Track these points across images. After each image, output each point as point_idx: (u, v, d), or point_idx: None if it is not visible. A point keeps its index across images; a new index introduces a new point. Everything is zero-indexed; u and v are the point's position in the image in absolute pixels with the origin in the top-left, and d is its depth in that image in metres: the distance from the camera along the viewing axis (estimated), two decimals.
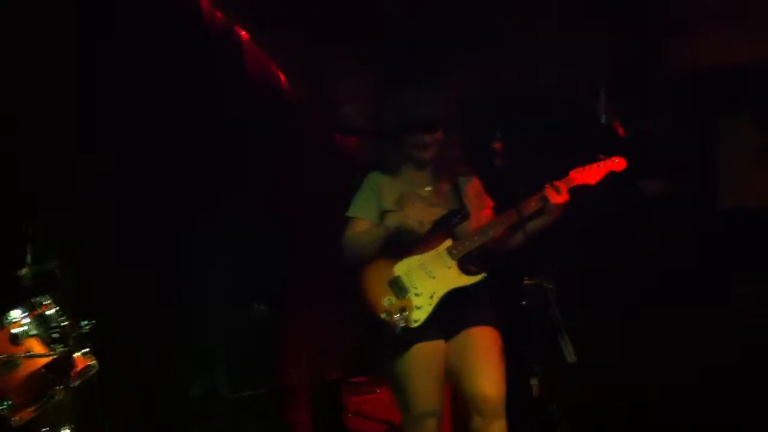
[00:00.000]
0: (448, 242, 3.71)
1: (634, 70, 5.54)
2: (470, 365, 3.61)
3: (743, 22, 5.25)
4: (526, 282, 3.70)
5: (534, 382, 3.47)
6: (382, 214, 3.76)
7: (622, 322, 5.20)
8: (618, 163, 3.82)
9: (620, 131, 5.55)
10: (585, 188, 3.82)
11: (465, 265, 3.70)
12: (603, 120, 5.50)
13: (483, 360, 3.62)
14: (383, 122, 3.90)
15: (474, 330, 3.67)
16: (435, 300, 3.60)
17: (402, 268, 3.65)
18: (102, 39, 4.43)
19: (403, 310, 3.51)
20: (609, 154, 5.36)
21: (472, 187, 3.88)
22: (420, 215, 3.68)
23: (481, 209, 3.87)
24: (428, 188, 3.84)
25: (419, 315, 3.58)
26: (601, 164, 3.81)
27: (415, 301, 3.60)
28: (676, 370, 5.07)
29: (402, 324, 3.45)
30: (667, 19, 5.45)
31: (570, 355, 3.35)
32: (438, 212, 3.73)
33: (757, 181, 5.35)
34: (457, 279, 3.66)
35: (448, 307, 3.61)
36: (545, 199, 3.71)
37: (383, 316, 3.52)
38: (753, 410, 4.82)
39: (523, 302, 3.71)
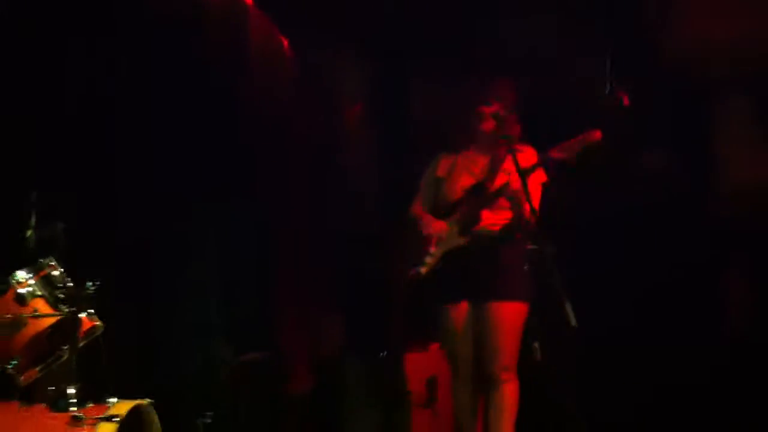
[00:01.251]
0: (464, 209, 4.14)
1: (629, 48, 5.52)
2: (484, 340, 4.06)
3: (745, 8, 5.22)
4: (528, 247, 3.79)
5: (536, 345, 3.54)
6: (436, 181, 4.26)
7: (618, 288, 5.20)
8: (594, 135, 3.92)
9: (625, 100, 5.52)
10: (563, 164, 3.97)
11: (462, 228, 4.07)
12: (607, 89, 5.48)
13: (497, 336, 4.02)
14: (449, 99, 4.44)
15: (492, 305, 4.04)
16: (435, 258, 4.09)
17: (432, 232, 4.16)
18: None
19: (421, 263, 4.11)
20: (612, 124, 5.41)
21: (519, 161, 3.90)
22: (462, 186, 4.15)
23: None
24: (478, 160, 4.19)
25: (423, 269, 4.12)
26: (577, 139, 3.92)
27: (426, 258, 4.12)
28: (663, 340, 5.09)
29: (412, 275, 4.12)
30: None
31: (572, 319, 3.37)
32: (473, 182, 4.16)
33: (753, 166, 5.34)
34: (455, 240, 4.08)
35: (471, 271, 4.05)
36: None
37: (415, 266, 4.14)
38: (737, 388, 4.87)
39: (525, 267, 3.80)
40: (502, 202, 4.03)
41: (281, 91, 5.84)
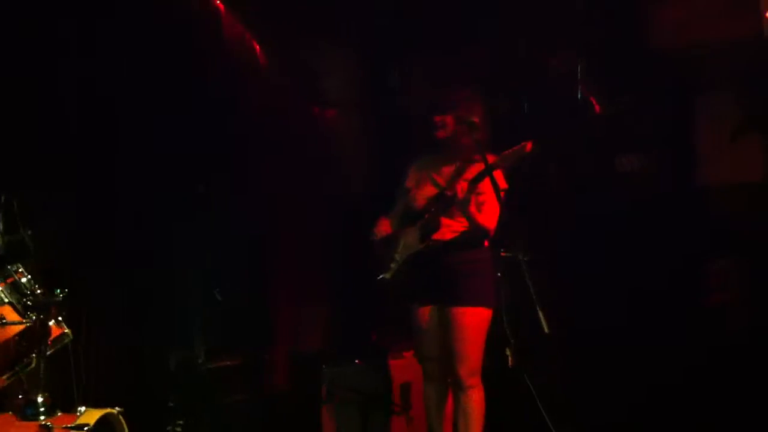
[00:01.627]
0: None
1: (610, 45, 5.54)
2: (448, 345, 4.13)
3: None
4: (502, 254, 3.80)
5: (508, 352, 3.55)
6: (405, 192, 4.35)
7: (595, 293, 5.22)
8: (524, 146, 3.87)
9: (596, 107, 5.56)
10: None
11: (422, 234, 4.16)
12: (579, 95, 5.51)
13: (458, 341, 4.09)
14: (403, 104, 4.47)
15: (454, 311, 4.10)
16: (398, 262, 4.20)
17: (399, 237, 4.27)
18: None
19: (386, 269, 4.21)
20: (585, 130, 5.44)
21: (473, 171, 4.03)
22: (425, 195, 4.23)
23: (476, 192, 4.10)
24: (442, 169, 4.25)
25: (388, 274, 4.21)
26: (512, 149, 3.90)
27: (392, 264, 4.22)
28: (650, 339, 5.12)
29: (381, 277, 4.21)
30: None
31: (545, 326, 3.38)
32: (435, 192, 4.22)
33: (732, 158, 5.38)
34: (416, 246, 4.16)
35: (434, 277, 4.13)
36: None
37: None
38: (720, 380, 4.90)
39: (499, 273, 3.82)
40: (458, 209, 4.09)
41: (256, 94, 5.83)
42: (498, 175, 3.96)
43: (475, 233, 4.08)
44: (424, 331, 4.22)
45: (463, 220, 4.08)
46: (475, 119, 4.01)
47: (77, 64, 4.53)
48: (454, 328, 4.08)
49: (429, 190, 4.23)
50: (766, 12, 5.05)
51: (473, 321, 4.07)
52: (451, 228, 4.15)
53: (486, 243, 4.15)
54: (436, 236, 4.13)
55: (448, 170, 4.22)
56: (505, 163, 3.94)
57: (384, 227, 4.36)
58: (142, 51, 4.80)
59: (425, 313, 4.22)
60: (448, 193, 4.08)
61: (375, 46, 6.12)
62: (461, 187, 3.99)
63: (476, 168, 4.02)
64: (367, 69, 6.26)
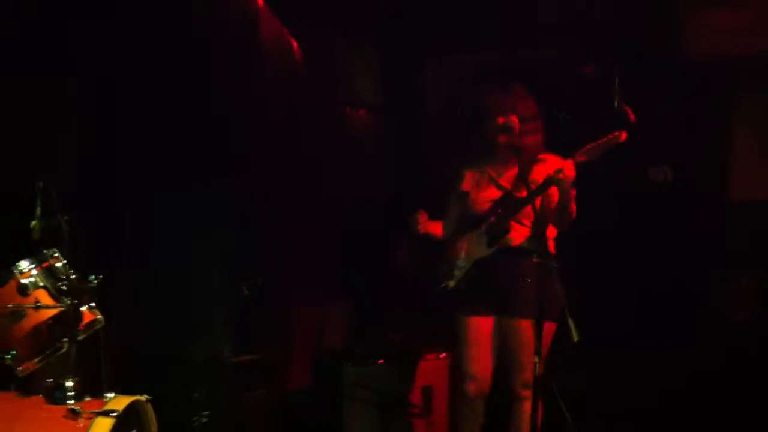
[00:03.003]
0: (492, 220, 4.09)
1: (644, 56, 5.52)
2: (507, 356, 4.07)
3: (759, 12, 5.22)
4: (533, 260, 3.77)
5: (536, 359, 3.53)
6: (460, 196, 4.20)
7: (624, 304, 5.21)
8: (619, 136, 3.93)
9: (631, 116, 5.53)
10: (590, 166, 3.93)
11: (491, 238, 4.03)
12: (615, 104, 5.48)
13: (518, 354, 4.00)
14: (463, 109, 4.26)
15: (516, 323, 4.01)
16: (464, 270, 4.06)
17: (461, 243, 4.14)
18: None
19: (446, 276, 4.11)
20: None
21: (543, 173, 3.98)
22: (488, 198, 4.10)
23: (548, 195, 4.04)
24: (503, 171, 4.13)
25: (451, 282, 4.10)
26: (603, 139, 3.93)
27: (454, 269, 4.10)
28: (676, 353, 5.10)
29: (441, 288, 4.09)
30: (680, 5, 5.44)
31: (575, 335, 3.36)
32: (500, 194, 4.12)
33: (765, 173, 5.34)
34: (482, 250, 4.04)
35: (495, 284, 4.02)
36: (549, 177, 3.91)
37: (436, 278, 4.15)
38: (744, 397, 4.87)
39: (528, 280, 3.79)
40: (527, 215, 4.00)
41: (289, 92, 5.84)
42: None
43: (543, 237, 3.96)
44: (482, 343, 4.07)
45: (530, 224, 4.00)
46: (538, 118, 4.03)
47: (102, 61, 4.54)
48: (517, 341, 3.98)
49: (492, 193, 4.11)
50: None
51: (534, 333, 3.71)
52: (519, 232, 4.05)
53: (553, 248, 4.04)
54: (503, 241, 4.02)
55: (510, 172, 4.10)
56: (591, 157, 3.87)
57: (432, 226, 4.25)
58: (178, 46, 4.81)
59: (486, 324, 4.08)
60: (517, 194, 3.97)
61: (408, 45, 6.13)
62: (530, 187, 3.86)
63: (540, 167, 3.99)
64: (399, 69, 6.28)
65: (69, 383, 3.18)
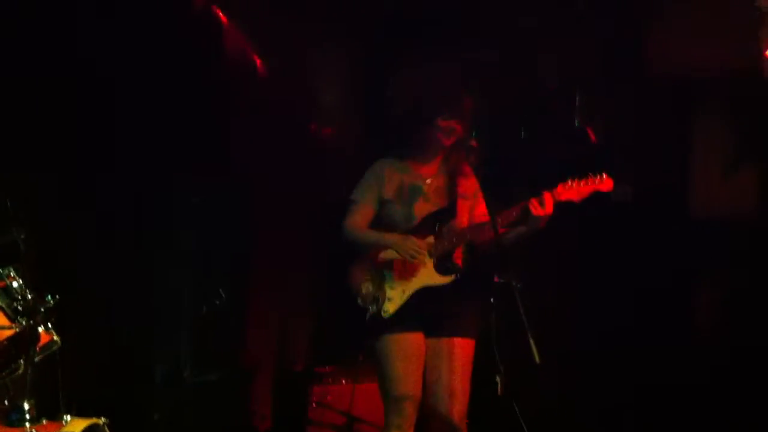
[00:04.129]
0: (431, 239, 3.78)
1: (607, 74, 5.58)
2: (442, 378, 3.72)
3: (721, 28, 5.30)
4: (495, 280, 3.75)
5: (498, 379, 3.51)
6: (382, 202, 3.86)
7: (587, 323, 5.24)
8: (605, 184, 3.77)
9: (592, 136, 5.58)
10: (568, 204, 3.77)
11: (442, 264, 3.77)
12: (576, 123, 5.54)
13: (455, 375, 3.71)
14: (408, 103, 3.94)
15: (453, 341, 3.74)
16: (406, 295, 3.72)
17: (387, 261, 3.78)
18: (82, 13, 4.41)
19: (376, 299, 3.71)
20: (580, 159, 5.44)
21: (470, 187, 3.86)
22: (420, 213, 3.79)
23: (473, 210, 3.88)
24: (428, 181, 3.88)
25: (389, 306, 3.72)
26: (590, 182, 3.76)
27: (389, 292, 3.73)
28: (641, 371, 5.14)
29: (373, 311, 3.69)
30: (644, 22, 5.50)
31: (536, 355, 3.36)
32: (431, 208, 3.82)
33: (729, 190, 5.41)
34: (431, 277, 3.74)
35: (430, 303, 3.72)
36: (527, 211, 3.70)
37: (359, 300, 3.75)
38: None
39: (491, 299, 3.77)
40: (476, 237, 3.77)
41: (253, 108, 5.84)
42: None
43: (476, 259, 3.84)
44: (411, 361, 3.69)
45: (462, 245, 3.81)
46: (473, 142, 3.75)
47: (73, 69, 4.50)
48: (458, 363, 3.71)
49: (423, 207, 3.82)
50: (766, 51, 5.08)
51: (470, 354, 3.77)
52: (458, 254, 3.85)
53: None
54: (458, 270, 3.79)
55: (435, 183, 3.87)
56: (575, 197, 3.71)
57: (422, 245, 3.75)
58: (142, 59, 4.79)
59: (416, 340, 3.73)
60: (452, 212, 3.77)
61: (373, 48, 6.11)
62: (506, 214, 3.69)
63: (465, 181, 3.82)
64: (363, 74, 6.27)
65: (26, 405, 3.12)
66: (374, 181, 3.90)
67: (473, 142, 3.76)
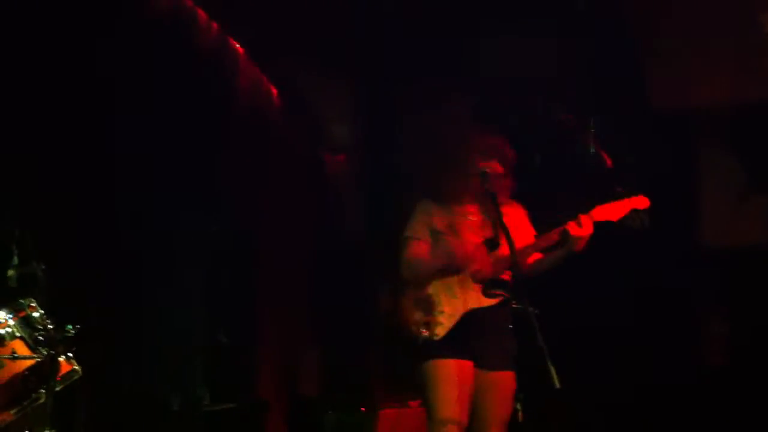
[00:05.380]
0: (478, 267, 3.86)
1: (618, 104, 5.60)
2: (487, 409, 3.79)
3: (728, 58, 5.32)
4: (512, 306, 3.76)
5: (518, 406, 3.50)
6: (433, 235, 3.95)
7: (599, 347, 5.23)
8: (641, 201, 3.84)
9: (608, 162, 5.60)
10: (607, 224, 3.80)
11: (487, 289, 3.84)
12: (592, 150, 5.55)
13: (499, 407, 3.80)
14: (447, 151, 4.12)
15: (499, 375, 3.81)
16: (454, 319, 3.79)
17: (434, 287, 3.87)
18: (99, 40, 4.45)
19: (427, 324, 3.80)
20: (595, 184, 5.46)
21: (515, 217, 3.96)
22: (470, 241, 3.89)
23: (519, 238, 3.89)
24: (472, 217, 3.99)
25: (440, 330, 3.79)
26: (626, 201, 3.83)
27: (439, 317, 3.81)
28: (652, 400, 5.11)
29: (424, 336, 3.77)
30: (654, 55, 5.53)
31: (556, 381, 3.35)
32: (478, 240, 3.91)
33: (739, 220, 5.40)
34: (476, 300, 3.82)
35: (478, 334, 3.79)
36: (566, 233, 3.77)
37: (412, 328, 3.83)
38: None
39: (510, 326, 3.77)
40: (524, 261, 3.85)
41: (267, 137, 5.87)
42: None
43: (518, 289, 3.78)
44: (457, 387, 3.73)
45: (509, 274, 3.87)
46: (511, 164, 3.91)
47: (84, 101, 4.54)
48: (499, 393, 3.80)
49: (472, 237, 3.91)
50: None
51: (513, 386, 3.84)
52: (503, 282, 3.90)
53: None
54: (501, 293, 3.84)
55: (480, 217, 3.97)
56: (613, 217, 3.78)
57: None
58: (154, 88, 4.83)
59: (464, 367, 3.77)
60: (499, 242, 3.82)
61: (386, 90, 6.17)
62: (546, 237, 3.80)
63: (512, 210, 3.94)
64: (376, 113, 6.32)
65: None
66: (424, 216, 4.00)
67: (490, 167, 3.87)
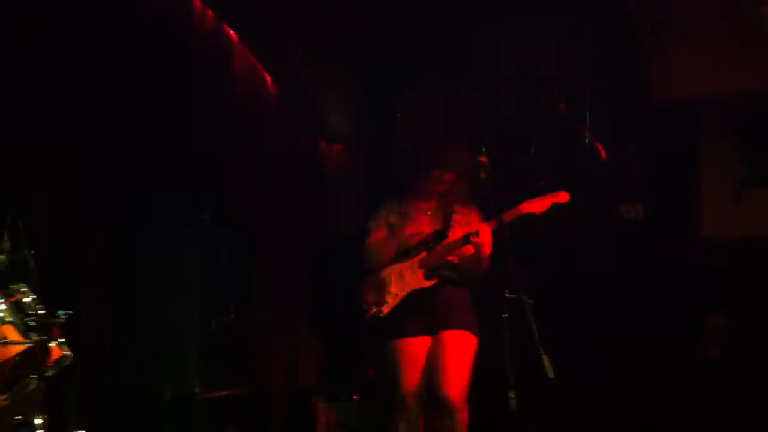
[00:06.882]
0: (423, 254, 4.36)
1: (617, 96, 5.60)
2: (438, 365, 4.24)
3: (727, 52, 5.31)
4: (506, 295, 3.79)
5: (512, 395, 3.52)
6: (391, 228, 4.47)
7: (597, 340, 5.23)
8: (561, 196, 4.17)
9: (602, 153, 5.60)
10: (531, 217, 4.17)
11: (429, 273, 4.32)
12: (586, 141, 5.56)
13: (450, 361, 4.22)
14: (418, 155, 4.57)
15: (448, 333, 4.27)
16: (398, 298, 4.32)
17: (387, 272, 4.40)
18: (95, 34, 4.42)
19: (377, 303, 4.33)
20: (591, 176, 5.47)
21: (465, 215, 4.40)
22: (417, 231, 4.39)
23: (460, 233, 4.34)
24: (428, 212, 4.47)
25: (385, 308, 4.33)
26: (548, 196, 4.18)
27: (387, 297, 4.34)
28: (644, 391, 5.12)
29: (373, 313, 4.32)
30: (651, 47, 5.52)
31: (549, 371, 3.36)
32: (428, 230, 4.39)
33: (737, 211, 5.41)
34: (419, 283, 4.32)
35: (427, 311, 4.29)
36: (467, 239, 4.20)
37: (364, 306, 4.38)
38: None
39: (504, 315, 3.80)
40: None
41: (262, 126, 5.85)
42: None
43: (468, 273, 4.33)
44: (415, 363, 4.25)
45: (455, 258, 4.31)
46: (483, 158, 4.15)
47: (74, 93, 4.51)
48: (453, 351, 4.21)
49: (420, 226, 4.41)
50: None
51: (468, 345, 4.25)
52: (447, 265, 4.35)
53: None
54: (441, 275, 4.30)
55: (434, 210, 4.44)
56: (535, 210, 4.13)
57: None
58: (148, 76, 4.80)
59: (418, 343, 4.28)
60: (447, 233, 4.30)
61: (383, 82, 6.17)
62: (463, 231, 4.22)
63: (464, 210, 4.37)
64: (371, 105, 6.32)
65: (38, 420, 3.13)
66: (384, 211, 4.54)
67: (483, 158, 4.17)
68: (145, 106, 4.74)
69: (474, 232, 4.15)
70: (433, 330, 4.29)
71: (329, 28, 5.63)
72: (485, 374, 4.17)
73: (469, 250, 4.22)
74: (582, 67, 5.60)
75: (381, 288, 4.36)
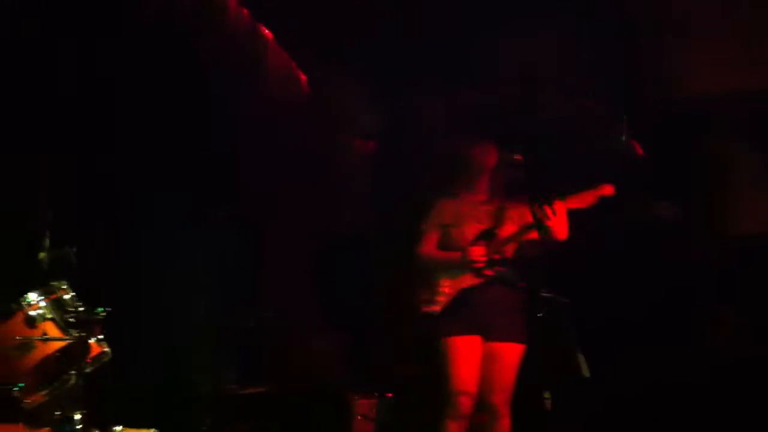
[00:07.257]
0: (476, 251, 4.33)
1: (635, 96, 5.58)
2: (487, 372, 4.26)
3: (745, 44, 5.27)
4: (543, 294, 3.78)
5: (546, 395, 3.51)
6: (443, 228, 4.46)
7: (625, 339, 5.21)
8: (607, 189, 4.22)
9: (639, 150, 5.56)
10: (579, 211, 4.20)
11: (479, 271, 4.30)
12: (624, 138, 5.52)
13: (498, 371, 4.25)
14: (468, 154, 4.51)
15: (500, 345, 4.27)
16: (450, 296, 4.32)
17: (440, 272, 4.39)
18: (126, 29, 4.46)
19: (428, 302, 4.34)
20: (628, 172, 5.42)
21: (518, 209, 4.31)
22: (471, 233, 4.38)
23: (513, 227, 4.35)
24: (480, 206, 4.45)
25: (437, 307, 4.34)
26: (593, 191, 4.23)
27: (439, 296, 4.34)
28: (672, 388, 5.10)
29: (426, 312, 4.34)
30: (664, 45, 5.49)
31: (584, 370, 3.35)
32: (481, 229, 4.39)
33: (752, 208, 5.37)
34: (470, 280, 4.31)
35: (481, 310, 4.29)
36: (539, 223, 4.11)
37: (419, 306, 4.40)
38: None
39: (539, 314, 3.80)
40: (509, 248, 4.31)
41: (295, 124, 5.87)
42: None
43: (518, 272, 4.31)
44: (468, 361, 4.24)
45: (508, 258, 4.29)
46: (518, 157, 4.19)
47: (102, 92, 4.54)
48: (503, 363, 4.24)
49: (474, 229, 4.38)
50: None
51: (517, 356, 4.25)
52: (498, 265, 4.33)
53: (522, 284, 4.33)
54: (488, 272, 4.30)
55: (487, 208, 4.42)
56: (581, 204, 4.16)
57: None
58: (187, 74, 4.83)
59: (470, 343, 4.27)
60: (499, 231, 4.28)
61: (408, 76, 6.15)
62: (512, 227, 4.24)
63: (516, 204, 4.25)
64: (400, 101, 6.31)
65: (77, 416, 3.17)
66: (436, 211, 4.53)
67: (518, 157, 4.20)
68: (155, 106, 4.75)
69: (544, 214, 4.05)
70: (483, 331, 4.28)
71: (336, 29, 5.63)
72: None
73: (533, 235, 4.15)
74: (582, 67, 5.58)
75: (434, 287, 4.36)
